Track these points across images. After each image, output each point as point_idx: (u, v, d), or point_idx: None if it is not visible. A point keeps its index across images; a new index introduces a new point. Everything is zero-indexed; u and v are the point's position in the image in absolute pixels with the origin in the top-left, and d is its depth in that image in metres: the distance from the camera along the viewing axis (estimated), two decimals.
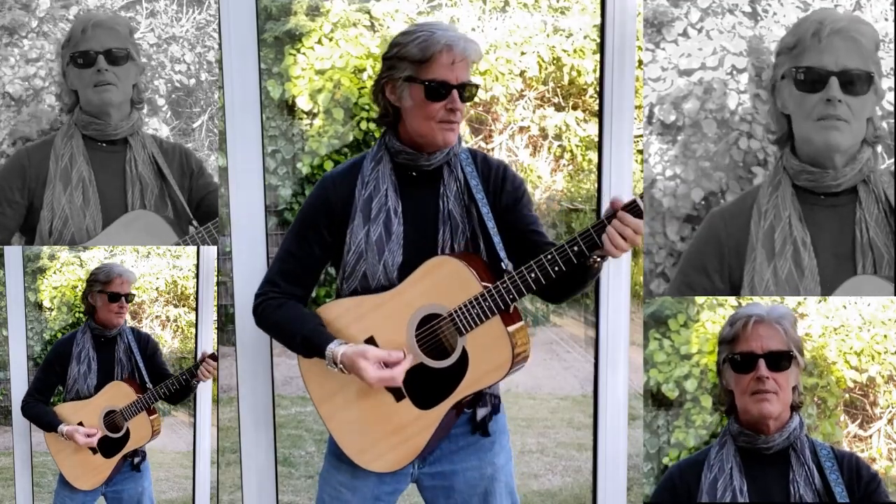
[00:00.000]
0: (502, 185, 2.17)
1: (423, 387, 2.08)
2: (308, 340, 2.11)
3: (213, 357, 2.85)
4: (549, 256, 1.96)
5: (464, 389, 2.05)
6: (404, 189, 2.15)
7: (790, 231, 2.20)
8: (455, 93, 2.04)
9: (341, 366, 2.05)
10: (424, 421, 2.08)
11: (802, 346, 2.12)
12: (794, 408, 2.12)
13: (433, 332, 2.07)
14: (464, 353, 2.04)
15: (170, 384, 2.87)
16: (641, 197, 1.93)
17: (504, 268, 2.07)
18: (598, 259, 1.99)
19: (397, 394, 2.10)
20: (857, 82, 2.12)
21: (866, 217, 2.18)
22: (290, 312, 2.16)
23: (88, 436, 2.95)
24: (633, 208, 1.90)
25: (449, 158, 2.15)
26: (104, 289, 3.02)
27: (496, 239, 2.10)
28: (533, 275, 1.97)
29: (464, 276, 2.04)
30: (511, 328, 2.02)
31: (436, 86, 2.03)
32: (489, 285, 2.01)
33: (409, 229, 2.13)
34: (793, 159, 2.21)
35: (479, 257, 2.13)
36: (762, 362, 2.07)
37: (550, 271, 1.96)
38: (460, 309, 2.02)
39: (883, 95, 2.19)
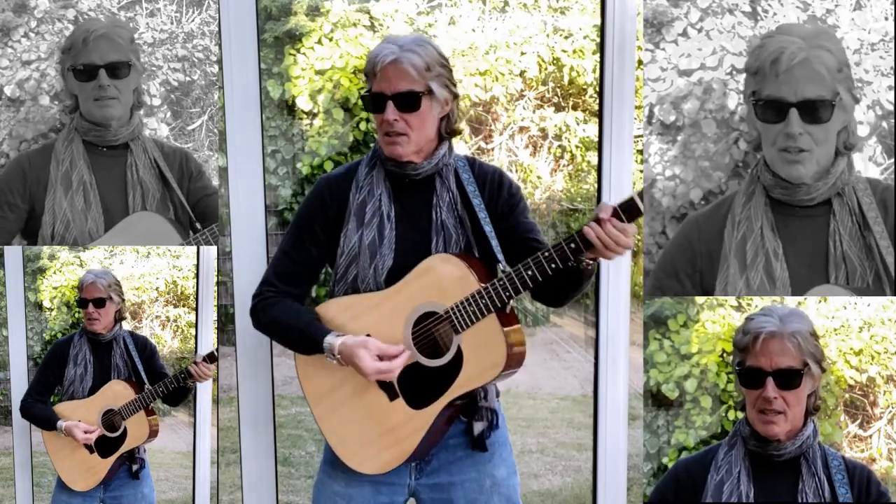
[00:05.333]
0: (498, 190, 2.16)
1: (417, 386, 2.07)
2: (304, 333, 2.11)
3: (212, 357, 2.85)
4: (546, 254, 1.96)
5: (457, 388, 2.04)
6: (398, 195, 2.15)
7: (762, 242, 2.19)
8: (390, 104, 2.05)
9: (339, 356, 2.05)
10: (417, 421, 2.07)
11: (822, 353, 2.05)
12: (809, 413, 2.06)
13: (429, 331, 2.06)
14: (458, 352, 2.03)
15: (168, 383, 2.88)
16: (641, 194, 1.92)
17: (501, 269, 2.06)
18: (591, 261, 1.99)
19: (391, 393, 2.10)
20: (820, 110, 2.10)
21: (840, 230, 2.17)
22: (285, 308, 2.16)
23: (87, 432, 2.96)
24: (627, 207, 1.91)
25: (439, 168, 2.14)
26: (79, 296, 3.06)
27: (494, 242, 2.10)
28: (529, 272, 1.97)
29: (461, 273, 2.04)
30: (507, 328, 2.01)
31: (369, 96, 2.09)
32: (486, 283, 2.01)
33: (402, 235, 2.13)
34: (766, 172, 2.20)
35: (476, 258, 2.12)
36: (770, 381, 2.00)
37: (547, 268, 1.95)
38: (456, 307, 2.01)
39: (854, 104, 2.15)
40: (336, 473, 2.19)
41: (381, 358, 2.04)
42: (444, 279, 2.05)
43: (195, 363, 2.84)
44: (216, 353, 2.87)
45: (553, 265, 1.95)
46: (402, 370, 2.06)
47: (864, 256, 2.17)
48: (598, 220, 1.91)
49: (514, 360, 2.04)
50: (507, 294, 1.99)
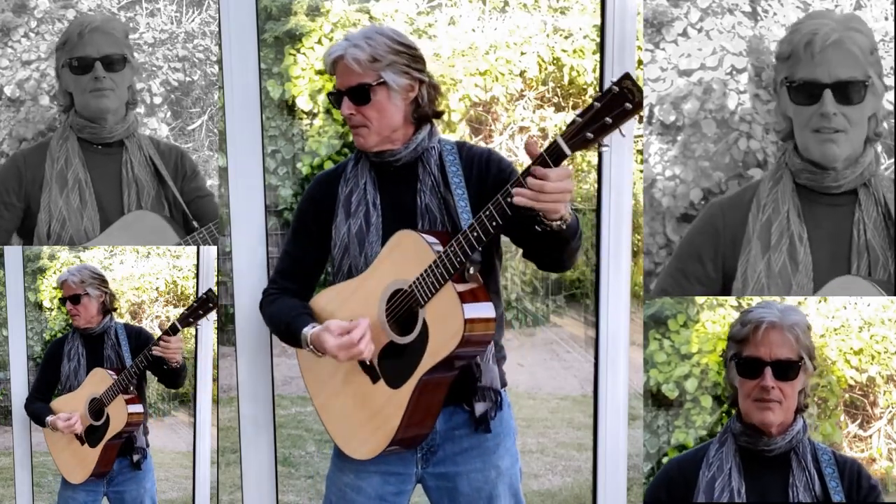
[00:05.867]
0: (487, 167, 2.14)
1: (395, 365, 2.08)
2: (290, 328, 2.15)
3: (174, 329, 2.84)
4: (487, 212, 1.90)
5: (426, 362, 2.02)
6: (383, 183, 2.18)
7: (787, 225, 2.20)
8: (345, 99, 2.10)
9: (312, 347, 2.08)
10: (396, 401, 2.07)
11: (814, 351, 2.08)
12: (799, 410, 2.09)
13: (401, 308, 2.06)
14: (425, 326, 2.02)
15: (138, 362, 2.89)
16: (568, 133, 1.77)
17: None
18: (557, 220, 1.88)
19: (373, 376, 2.10)
20: (853, 91, 2.13)
21: (864, 219, 2.18)
22: (280, 304, 2.21)
23: (68, 420, 2.99)
24: (551, 151, 1.80)
25: (419, 153, 2.14)
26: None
27: (465, 216, 2.07)
28: (475, 233, 1.92)
29: (421, 247, 2.02)
30: (467, 303, 1.97)
31: (331, 95, 2.15)
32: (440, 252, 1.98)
33: (388, 222, 2.15)
34: (795, 157, 2.22)
35: (441, 231, 2.11)
36: (768, 371, 2.03)
37: (489, 226, 1.90)
38: (417, 280, 2.01)
39: (884, 90, 2.19)
40: (345, 465, 2.22)
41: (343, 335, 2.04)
42: (406, 254, 2.05)
43: (157, 342, 2.84)
44: (178, 325, 2.84)
45: (494, 223, 1.89)
46: (381, 351, 2.07)
47: (887, 247, 2.18)
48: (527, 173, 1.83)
49: (476, 334, 1.99)
50: (458, 259, 1.94)
